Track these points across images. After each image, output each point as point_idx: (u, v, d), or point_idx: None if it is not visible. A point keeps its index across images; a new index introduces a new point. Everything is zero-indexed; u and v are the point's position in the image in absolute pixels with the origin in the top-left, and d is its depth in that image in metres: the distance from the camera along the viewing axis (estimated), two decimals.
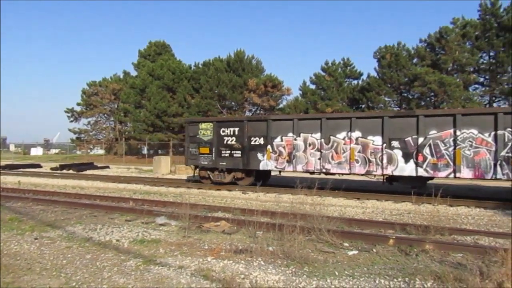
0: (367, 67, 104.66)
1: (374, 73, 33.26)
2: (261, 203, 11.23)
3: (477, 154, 11.02)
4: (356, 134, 12.53)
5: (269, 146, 13.94)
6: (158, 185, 15.81)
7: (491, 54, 29.08)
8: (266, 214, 8.55)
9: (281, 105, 38.33)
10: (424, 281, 4.37)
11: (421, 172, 11.67)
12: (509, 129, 10.64)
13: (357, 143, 12.54)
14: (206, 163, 15.14)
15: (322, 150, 13.03)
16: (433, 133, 11.61)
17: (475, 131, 11.06)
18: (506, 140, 10.68)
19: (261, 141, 14.16)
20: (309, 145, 13.32)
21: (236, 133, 14.63)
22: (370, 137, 12.40)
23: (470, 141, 11.18)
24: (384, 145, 12.12)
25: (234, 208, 9.58)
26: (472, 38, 28.86)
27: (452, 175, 11.36)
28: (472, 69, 29.62)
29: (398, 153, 11.96)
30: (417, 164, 11.71)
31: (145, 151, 42.50)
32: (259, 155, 14.15)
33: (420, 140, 11.67)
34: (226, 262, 5.18)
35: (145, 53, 47.59)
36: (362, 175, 12.91)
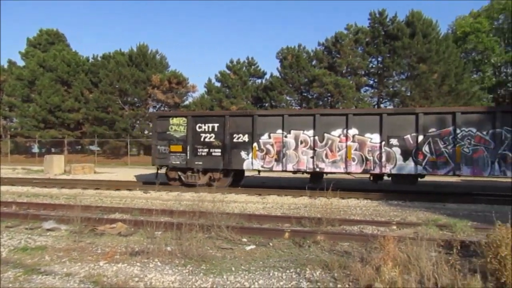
0: (271, 66, 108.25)
1: (277, 73, 34.52)
2: (162, 202, 10.97)
3: (475, 152, 11.29)
4: (353, 131, 12.17)
5: (255, 144, 12.94)
6: (49, 187, 14.51)
7: (379, 59, 32.02)
8: (166, 213, 8.36)
9: (186, 102, 37.85)
10: (314, 270, 4.64)
11: (420, 170, 11.73)
12: (506, 128, 11.03)
13: (353, 141, 12.18)
14: (178, 162, 13.66)
15: (316, 148, 12.41)
16: (432, 130, 11.65)
17: (473, 129, 11.29)
18: (503, 138, 11.06)
19: (246, 138, 13.07)
20: (301, 142, 12.62)
21: (216, 129, 13.39)
22: (367, 135, 12.11)
23: (469, 139, 11.38)
24: (383, 143, 11.92)
25: (133, 208, 9.22)
26: (363, 44, 31.48)
27: (451, 173, 11.67)
28: (363, 72, 32.30)
29: (397, 151, 11.86)
30: (416, 162, 11.72)
31: (35, 150, 38.76)
32: (243, 154, 13.09)
33: (420, 138, 11.66)
34: (120, 265, 4.94)
35: (34, 41, 43.42)
36: (359, 174, 12.73)
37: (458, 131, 11.34)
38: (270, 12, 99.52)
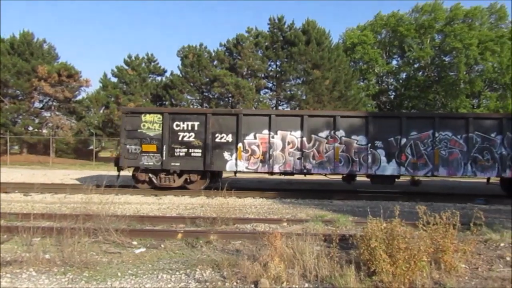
0: (171, 64, 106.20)
1: (177, 71, 33.91)
2: (45, 205, 10.02)
3: (451, 155, 12.30)
4: (340, 133, 12.35)
5: (240, 144, 12.37)
6: None
7: (278, 63, 33.35)
8: (48, 217, 7.65)
9: (79, 97, 35.20)
10: (204, 271, 4.63)
11: (403, 171, 12.33)
12: (477, 133, 12.25)
13: (341, 143, 12.35)
14: (151, 163, 12.48)
15: (303, 149, 12.34)
16: (414, 134, 12.33)
17: (450, 133, 12.30)
18: (474, 142, 12.22)
19: (229, 138, 12.45)
20: (288, 143, 12.41)
21: (196, 128, 12.51)
22: (354, 137, 12.39)
23: (445, 142, 12.33)
24: (369, 145, 12.29)
25: (8, 213, 8.25)
26: (263, 48, 32.51)
27: (430, 174, 12.47)
28: (262, 75, 33.35)
29: (381, 153, 12.31)
30: (399, 164, 12.27)
31: None
32: (226, 155, 12.45)
33: (403, 140, 12.26)
34: None
35: None
36: (345, 175, 12.83)
37: (436, 134, 12.27)
38: (172, 11, 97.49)
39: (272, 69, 33.88)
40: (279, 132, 12.43)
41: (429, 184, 16.99)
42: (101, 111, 33.47)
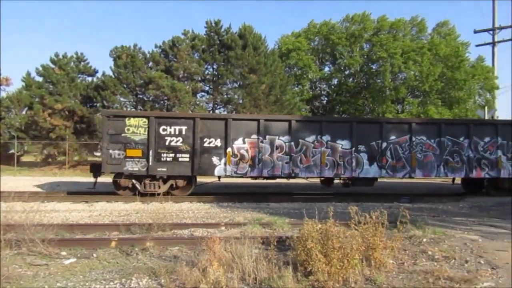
0: (103, 65, 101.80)
1: (110, 72, 32.51)
2: None
3: (426, 157, 13.30)
4: (326, 137, 12.82)
5: (229, 149, 12.34)
6: None
7: (214, 67, 33.25)
8: None
9: None
10: (140, 279, 4.48)
11: (384, 173, 13.12)
12: (448, 137, 13.36)
13: (327, 147, 12.79)
14: (136, 169, 11.97)
15: (291, 154, 12.62)
16: (393, 138, 13.18)
17: (424, 138, 13.30)
18: (446, 146, 13.33)
19: (218, 143, 12.39)
20: (277, 148, 12.62)
21: (184, 132, 12.25)
22: (339, 141, 12.91)
23: (421, 146, 13.31)
24: (353, 149, 12.86)
25: None
26: (200, 51, 32.23)
27: (407, 175, 13.33)
28: (199, 78, 33.04)
29: (364, 157, 12.98)
30: (380, 167, 13.01)
31: None
32: (215, 159, 12.35)
33: (384, 144, 13.04)
34: None
35: None
36: (331, 178, 13.33)
37: (413, 139, 13.22)
38: (105, 11, 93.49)
39: (209, 73, 33.70)
40: (267, 137, 12.65)
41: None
42: (24, 112, 31.13)
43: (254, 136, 12.59)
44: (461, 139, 13.61)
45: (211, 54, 31.76)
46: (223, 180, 13.99)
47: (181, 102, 29.32)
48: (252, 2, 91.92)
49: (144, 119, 12.25)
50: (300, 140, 12.79)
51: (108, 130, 12.08)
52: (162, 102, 32.00)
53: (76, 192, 13.35)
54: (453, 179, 14.69)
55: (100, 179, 13.11)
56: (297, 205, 11.32)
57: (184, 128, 12.34)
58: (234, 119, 12.72)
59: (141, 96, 32.57)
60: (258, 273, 4.33)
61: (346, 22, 35.70)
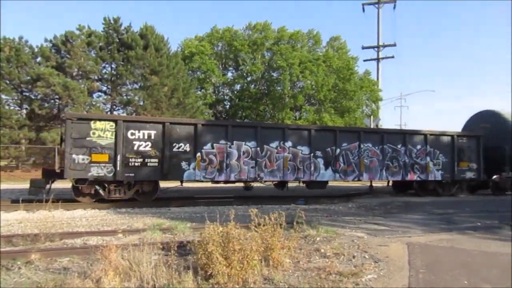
0: None
1: None
2: None
3: (371, 162, 14.76)
4: (288, 143, 13.54)
5: (198, 154, 12.40)
6: None
7: (113, 66, 31.61)
8: None
9: None
10: None
11: (337, 177, 14.35)
12: (389, 144, 15.02)
13: (289, 152, 13.51)
14: (102, 174, 11.43)
15: (257, 159, 13.05)
16: (345, 145, 14.42)
17: (370, 145, 14.79)
18: (387, 152, 14.94)
19: (187, 148, 12.38)
20: (243, 153, 12.97)
21: (153, 137, 12.01)
22: (299, 147, 13.72)
23: (367, 152, 14.73)
24: (312, 154, 13.80)
25: None
26: (97, 48, 30.38)
27: (356, 179, 14.76)
28: (96, 77, 31.11)
29: (320, 161, 14.00)
30: (334, 171, 14.16)
31: None
32: (184, 164, 12.30)
33: (337, 150, 14.23)
34: None
35: None
36: (285, 181, 14.07)
37: (362, 146, 14.59)
38: None
39: (107, 72, 31.94)
40: (235, 142, 12.94)
41: (259, 188, 18.42)
42: None
43: (223, 142, 12.84)
44: (399, 146, 15.35)
45: (109, 52, 30.17)
46: (185, 184, 13.43)
47: (75, 102, 27.32)
48: (153, 2, 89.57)
49: (111, 123, 11.76)
50: (265, 146, 13.32)
51: (72, 133, 11.35)
52: (53, 101, 29.46)
53: None
54: (388, 182, 16.84)
55: None
56: (199, 209, 11.27)
57: (153, 132, 12.13)
58: (203, 125, 12.92)
59: (27, 94, 29.61)
60: (158, 280, 4.21)
61: (248, 29, 36.72)
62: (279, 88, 33.64)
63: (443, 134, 16.53)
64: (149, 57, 28.73)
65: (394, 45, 33.61)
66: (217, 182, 13.31)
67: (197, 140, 12.51)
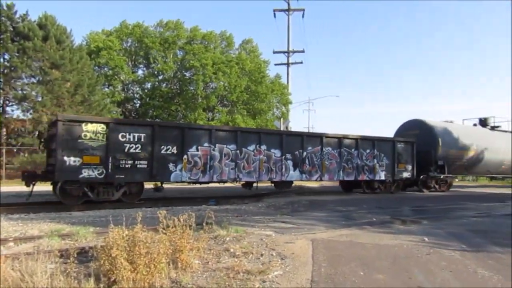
0: None
1: None
2: None
3: (331, 164, 16.74)
4: (263, 147, 14.75)
5: (185, 156, 13.14)
6: None
7: (6, 57, 28.58)
8: None
9: None
10: None
11: (304, 177, 15.95)
12: (344, 148, 17.00)
13: (264, 155, 14.74)
14: (93, 176, 11.64)
15: (237, 161, 14.12)
16: (309, 149, 16.07)
17: (330, 148, 16.72)
18: (343, 155, 16.96)
19: (174, 150, 12.99)
20: (225, 155, 13.91)
21: (143, 139, 12.44)
22: (272, 150, 15.04)
23: (328, 154, 16.60)
24: (283, 157, 15.19)
25: None
26: None
27: (319, 179, 16.69)
28: None
29: (290, 163, 15.44)
30: (301, 172, 15.72)
31: None
32: (171, 166, 12.95)
33: (304, 154, 15.78)
34: None
35: None
36: (252, 182, 15.38)
37: (323, 149, 16.35)
38: None
39: None
40: (217, 145, 13.81)
41: (172, 190, 18.07)
42: None
43: (206, 144, 13.65)
44: (352, 150, 17.40)
45: (1, 42, 27.20)
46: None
47: None
48: None
49: (103, 125, 11.92)
50: (243, 149, 14.36)
51: (63, 135, 11.32)
52: None
53: None
54: (340, 181, 19.16)
55: None
56: (104, 213, 10.67)
57: (143, 135, 12.48)
58: (189, 128, 13.75)
59: None
60: None
61: (160, 27, 35.75)
62: (191, 88, 33.29)
63: (387, 139, 19.31)
64: (49, 49, 26.51)
65: (303, 51, 35.44)
66: (200, 183, 14.22)
67: (184, 143, 13.14)
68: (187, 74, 34.45)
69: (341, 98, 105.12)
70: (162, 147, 12.77)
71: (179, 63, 34.58)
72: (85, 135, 11.59)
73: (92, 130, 11.72)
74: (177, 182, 13.80)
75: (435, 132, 21.17)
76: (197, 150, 13.47)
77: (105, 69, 33.53)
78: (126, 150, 12.17)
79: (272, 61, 42.94)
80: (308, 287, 4.48)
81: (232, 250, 6.05)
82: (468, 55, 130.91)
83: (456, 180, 29.28)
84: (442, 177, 21.09)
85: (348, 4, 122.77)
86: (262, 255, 5.88)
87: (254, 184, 16.02)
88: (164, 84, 35.17)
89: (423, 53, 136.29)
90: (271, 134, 15.73)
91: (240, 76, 33.60)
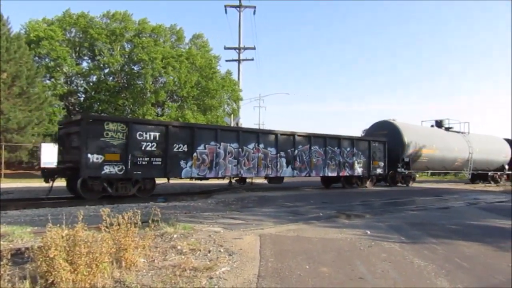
0: None
1: None
2: None
3: (318, 161, 18.24)
4: (261, 145, 16.00)
5: (195, 154, 14.09)
6: None
7: None
8: None
9: None
10: None
11: (295, 173, 17.37)
12: (329, 147, 18.69)
13: (261, 153, 15.99)
14: (113, 172, 12.24)
15: (239, 158, 15.20)
16: (300, 147, 17.52)
17: (317, 147, 18.24)
18: (327, 153, 18.62)
19: (185, 148, 13.93)
20: (228, 153, 14.98)
21: (158, 138, 13.25)
22: (269, 148, 16.34)
23: (315, 152, 18.09)
24: (278, 154, 16.54)
25: None
26: None
27: (308, 175, 18.07)
28: None
29: (283, 161, 16.83)
30: (293, 168, 17.18)
31: None
32: (182, 163, 13.89)
33: (295, 152, 17.24)
34: None
35: None
36: (245, 178, 16.89)
37: (312, 148, 17.87)
38: None
39: None
40: (222, 143, 14.87)
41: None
42: None
43: (213, 143, 14.68)
44: (336, 148, 18.98)
45: None
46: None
47: None
48: None
49: (123, 125, 12.65)
50: (244, 147, 15.53)
51: (89, 134, 11.98)
52: None
53: None
54: (321, 177, 20.28)
55: None
56: (43, 211, 10.10)
57: (158, 134, 13.31)
58: (198, 128, 14.84)
59: None
60: None
61: (106, 18, 34.36)
62: (140, 82, 32.35)
63: (364, 139, 21.29)
64: None
65: (254, 48, 35.45)
66: (207, 178, 15.34)
67: (193, 142, 14.12)
68: (135, 68, 33.45)
69: (291, 96, 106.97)
70: (175, 145, 13.70)
71: (126, 56, 33.48)
72: (107, 134, 12.26)
73: (113, 129, 12.40)
74: (187, 178, 14.65)
75: (402, 133, 23.28)
76: (205, 148, 14.50)
77: (46, 60, 31.74)
78: (143, 148, 12.97)
79: (223, 57, 42.75)
80: (255, 282, 4.51)
81: (179, 247, 5.96)
82: (411, 55, 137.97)
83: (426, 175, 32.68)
84: (407, 172, 23.33)
85: (298, 3, 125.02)
86: (210, 251, 5.85)
87: (248, 180, 17.96)
88: (111, 78, 33.93)
89: (366, 52, 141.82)
90: (267, 134, 16.94)
91: (190, 71, 33.14)
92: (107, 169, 12.21)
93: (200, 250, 5.87)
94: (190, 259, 5.30)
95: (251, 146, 15.84)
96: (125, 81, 33.88)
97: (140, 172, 12.95)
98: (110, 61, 31.73)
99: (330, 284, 4.51)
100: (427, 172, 27.79)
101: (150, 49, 31.65)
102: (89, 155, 11.87)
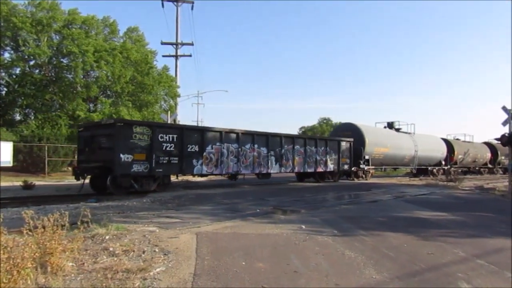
0: None
1: None
2: None
3: (300, 159, 20.56)
4: (256, 145, 18.14)
5: (205, 153, 16.04)
6: None
7: None
8: None
9: None
10: None
11: (282, 170, 19.55)
12: (308, 147, 21.05)
13: (256, 152, 18.15)
14: (140, 170, 14.10)
15: (239, 157, 17.42)
16: (285, 147, 19.72)
17: (298, 146, 20.54)
18: (307, 151, 20.99)
19: (196, 148, 15.79)
20: (230, 153, 17.17)
21: (175, 140, 15.02)
22: (261, 148, 18.52)
23: (297, 151, 20.35)
24: (269, 153, 18.70)
25: None
26: None
27: (291, 171, 20.48)
28: None
29: (273, 159, 18.94)
30: (280, 165, 19.42)
31: None
32: (194, 161, 15.76)
33: (282, 151, 19.46)
34: None
35: None
36: (232, 174, 18.37)
37: (295, 147, 20.21)
38: None
39: None
40: (225, 144, 16.77)
41: (44, 188, 16.47)
42: None
43: (218, 144, 16.64)
44: (313, 148, 21.37)
45: None
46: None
47: None
48: None
49: (147, 127, 14.42)
50: (243, 147, 17.54)
51: (121, 136, 13.59)
52: None
53: None
54: (295, 173, 22.19)
55: None
56: None
57: (175, 136, 15.06)
58: (207, 130, 16.72)
59: None
60: None
61: (31, 6, 31.95)
62: (70, 76, 30.55)
63: (335, 140, 23.71)
64: None
65: (192, 44, 35.08)
66: (214, 175, 17.98)
67: (203, 142, 15.99)
68: (65, 61, 31.49)
69: (230, 94, 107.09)
70: (189, 146, 15.51)
71: (55, 48, 31.40)
72: (135, 136, 13.90)
73: (140, 131, 14.03)
74: (197, 175, 16.97)
75: (363, 133, 26.06)
76: (212, 148, 16.37)
77: None
78: (163, 148, 14.68)
79: (160, 52, 41.68)
80: (191, 281, 4.46)
81: (111, 248, 5.72)
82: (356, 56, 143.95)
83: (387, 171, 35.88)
84: (366, 168, 26.22)
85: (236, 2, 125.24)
86: (144, 252, 5.69)
87: (240, 176, 19.26)
88: (37, 71, 31.70)
89: (304, 52, 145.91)
90: (260, 135, 18.76)
91: (125, 66, 31.91)
92: (135, 167, 13.91)
93: (134, 251, 5.68)
94: (123, 260, 5.12)
95: (248, 146, 17.87)
96: (53, 74, 31.79)
97: (161, 170, 14.71)
98: (36, 52, 29.54)
99: (265, 279, 4.58)
100: (381, 168, 30.59)
101: (81, 41, 29.97)
102: (121, 155, 13.51)
